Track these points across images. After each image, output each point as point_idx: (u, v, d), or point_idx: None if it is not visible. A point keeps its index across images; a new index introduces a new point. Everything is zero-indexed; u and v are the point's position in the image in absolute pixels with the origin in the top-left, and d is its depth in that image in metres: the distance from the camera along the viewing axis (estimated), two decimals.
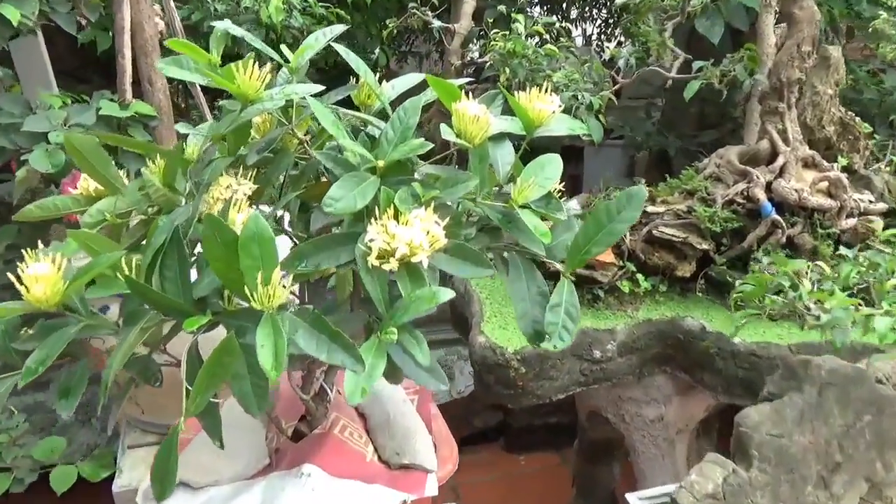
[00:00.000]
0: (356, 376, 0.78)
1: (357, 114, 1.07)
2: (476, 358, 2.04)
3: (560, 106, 1.06)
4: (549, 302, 0.98)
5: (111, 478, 1.61)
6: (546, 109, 1.02)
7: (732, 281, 1.99)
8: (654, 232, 2.02)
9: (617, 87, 2.50)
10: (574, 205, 2.76)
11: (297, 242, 1.13)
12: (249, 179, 1.07)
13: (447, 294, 0.83)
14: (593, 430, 2.53)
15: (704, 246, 2.00)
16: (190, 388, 0.84)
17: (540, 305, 1.01)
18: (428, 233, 0.86)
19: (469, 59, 3.71)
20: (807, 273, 1.18)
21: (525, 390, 1.99)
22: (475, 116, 0.95)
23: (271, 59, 1.13)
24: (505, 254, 1.09)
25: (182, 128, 1.17)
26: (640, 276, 2.03)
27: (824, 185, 2.05)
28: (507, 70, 2.51)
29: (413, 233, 0.85)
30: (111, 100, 1.74)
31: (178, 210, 0.99)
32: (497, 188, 1.09)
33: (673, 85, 2.51)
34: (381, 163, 0.92)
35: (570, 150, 3.75)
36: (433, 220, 0.88)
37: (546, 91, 1.03)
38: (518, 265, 1.06)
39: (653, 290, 2.06)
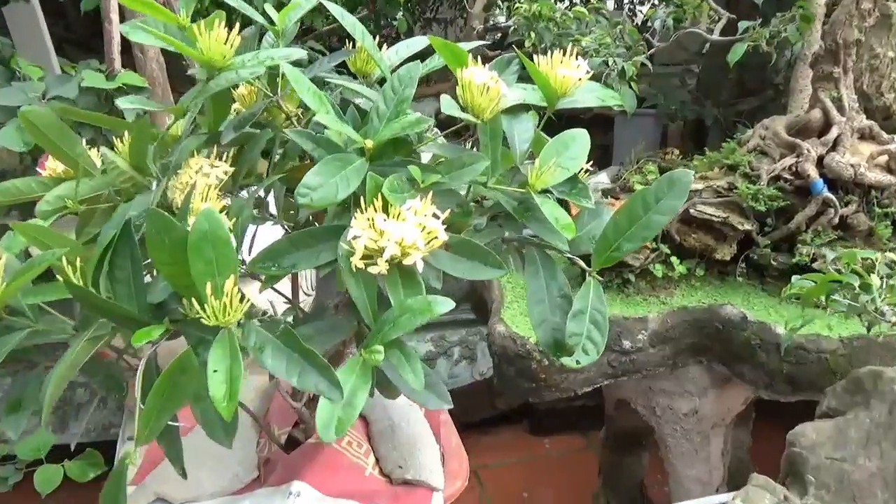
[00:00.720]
0: (332, 405, 0.64)
1: (346, 82, 0.91)
2: (495, 348, 1.89)
3: (588, 72, 0.89)
4: (573, 307, 0.82)
5: (103, 476, 1.50)
6: (571, 76, 0.85)
7: (778, 265, 1.81)
8: (692, 211, 1.83)
9: (651, 51, 2.29)
10: (603, 178, 2.57)
11: (289, 232, 0.98)
12: (226, 161, 0.93)
13: (445, 305, 0.68)
14: (621, 419, 2.38)
15: (747, 227, 1.81)
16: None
17: (561, 310, 0.86)
18: (424, 228, 0.71)
19: (492, 23, 3.50)
20: (875, 267, 1.00)
21: (548, 383, 1.84)
22: (483, 86, 0.78)
23: (254, 22, 0.97)
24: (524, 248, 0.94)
25: None
26: (674, 260, 1.85)
27: (883, 159, 1.84)
28: (533, 35, 2.32)
29: (405, 229, 0.69)
30: (98, 70, 1.61)
31: (138, 198, 0.85)
32: (513, 170, 0.93)
33: (711, 49, 2.30)
34: (369, 143, 0.76)
35: (600, 119, 3.54)
36: (431, 212, 0.73)
37: (572, 55, 0.86)
38: (536, 261, 0.91)
39: (688, 274, 1.88)
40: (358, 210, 0.71)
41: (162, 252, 0.65)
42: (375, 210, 0.72)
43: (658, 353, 1.85)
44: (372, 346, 0.69)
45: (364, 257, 0.71)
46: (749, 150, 1.95)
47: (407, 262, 0.70)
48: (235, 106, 1.02)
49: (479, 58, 0.87)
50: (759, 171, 1.85)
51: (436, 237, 0.72)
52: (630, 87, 2.05)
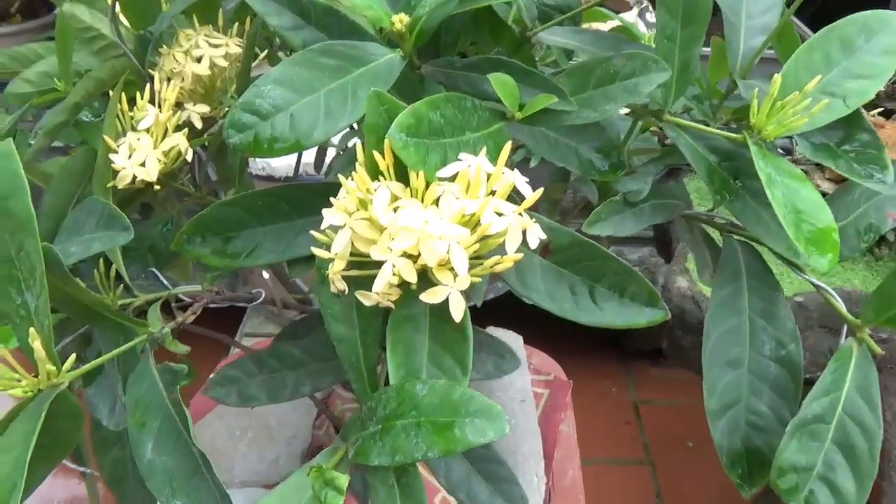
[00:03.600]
0: None
1: None
2: (671, 307, 1.46)
3: None
4: (804, 404, 0.39)
5: None
6: None
7: None
8: None
9: None
10: None
11: None
12: (230, 34, 0.57)
13: (494, 430, 0.29)
14: None
15: None
16: None
17: (773, 389, 0.43)
18: (476, 227, 0.31)
19: None
20: None
21: None
22: None
23: None
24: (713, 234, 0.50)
25: None
26: None
27: None
28: None
29: (437, 226, 0.31)
30: None
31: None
32: (715, 89, 0.48)
33: None
34: (402, 18, 0.36)
35: None
36: (507, 186, 0.33)
37: None
38: (736, 271, 0.47)
39: None
40: (352, 171, 0.33)
41: None
42: (389, 173, 0.33)
43: None
44: (339, 461, 0.33)
45: (354, 266, 0.33)
46: None
47: (432, 295, 0.32)
48: None
49: None
50: None
51: (511, 239, 0.32)
52: None
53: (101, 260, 0.45)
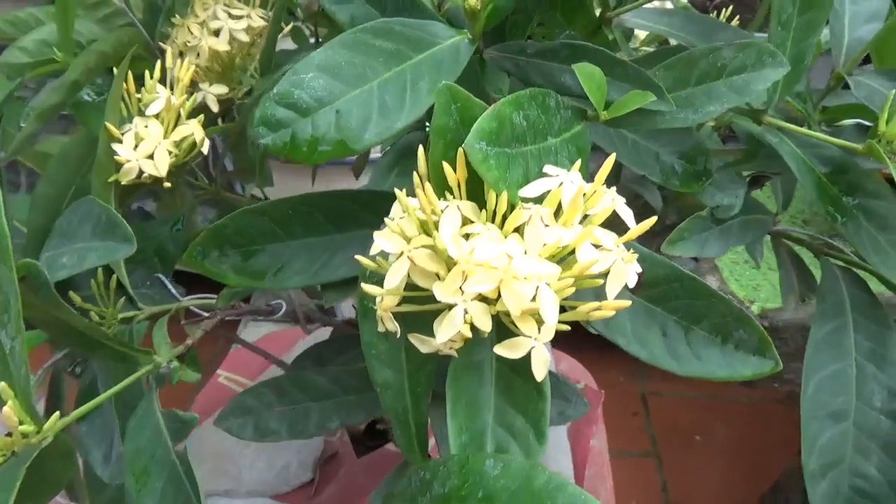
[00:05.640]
0: None
1: None
2: None
3: None
4: None
5: None
6: None
7: None
8: None
9: None
10: None
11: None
12: (252, 3, 0.50)
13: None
14: None
15: None
16: None
17: (877, 439, 0.36)
18: (564, 261, 0.25)
19: None
20: None
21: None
22: None
23: None
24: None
25: None
26: None
27: None
28: None
29: (523, 263, 0.24)
30: None
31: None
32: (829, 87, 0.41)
33: None
34: None
35: None
36: (605, 211, 0.26)
37: None
38: (839, 304, 0.40)
39: None
40: (414, 189, 0.26)
41: None
42: (458, 191, 0.26)
43: None
44: None
45: (407, 300, 0.27)
46: None
47: (511, 349, 0.25)
48: None
49: None
50: None
51: (614, 281, 0.26)
52: None
53: (100, 267, 0.38)
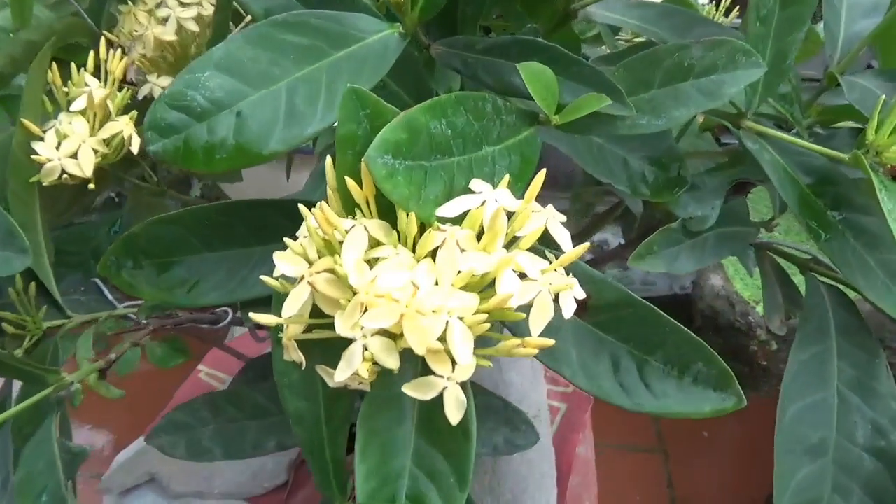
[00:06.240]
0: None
1: None
2: (702, 306, 1.35)
3: None
4: None
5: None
6: None
7: None
8: None
9: None
10: None
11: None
12: None
13: None
14: None
15: None
16: None
17: (859, 478, 0.33)
18: (485, 289, 0.21)
19: None
20: None
21: (769, 372, 1.29)
22: None
23: None
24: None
25: None
26: None
27: None
28: None
29: (431, 295, 0.21)
30: None
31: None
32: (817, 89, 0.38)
33: None
34: None
35: None
36: (535, 233, 0.23)
37: None
38: (822, 326, 0.37)
39: None
40: (324, 201, 0.23)
41: None
42: (368, 209, 0.23)
43: None
44: None
45: (318, 326, 0.24)
46: None
47: (421, 389, 0.22)
48: None
49: None
50: None
51: (538, 316, 0.23)
52: None
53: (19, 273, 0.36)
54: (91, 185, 0.36)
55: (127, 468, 0.77)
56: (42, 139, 0.36)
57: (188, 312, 0.43)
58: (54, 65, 0.37)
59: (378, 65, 0.27)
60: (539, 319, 0.22)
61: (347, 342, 0.22)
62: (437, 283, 0.22)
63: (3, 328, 0.35)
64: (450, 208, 0.23)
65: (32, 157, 0.35)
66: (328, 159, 0.24)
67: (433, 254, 0.23)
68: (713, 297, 1.33)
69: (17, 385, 0.34)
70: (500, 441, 0.39)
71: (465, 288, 0.22)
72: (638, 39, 0.61)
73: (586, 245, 0.23)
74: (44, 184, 0.36)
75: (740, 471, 1.79)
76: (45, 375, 0.30)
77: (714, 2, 0.65)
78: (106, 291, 0.41)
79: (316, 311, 0.24)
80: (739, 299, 1.30)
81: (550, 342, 0.22)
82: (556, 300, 0.24)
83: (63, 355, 0.37)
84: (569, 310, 0.24)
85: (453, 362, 0.22)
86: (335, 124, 0.25)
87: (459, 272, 0.22)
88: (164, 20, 0.45)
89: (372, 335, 0.21)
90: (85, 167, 0.36)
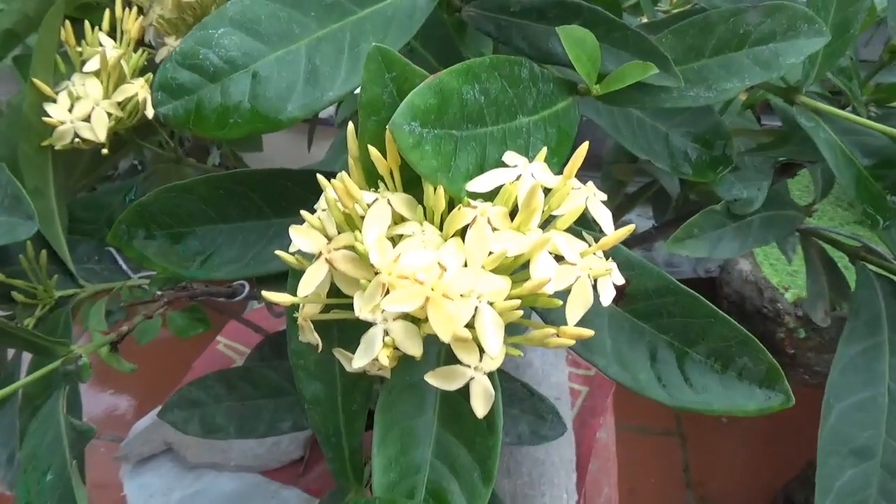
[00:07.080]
0: None
1: None
2: (728, 291, 1.32)
3: None
4: None
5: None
6: None
7: None
8: None
9: None
10: None
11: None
12: None
13: None
14: None
15: None
16: None
17: None
18: (517, 273, 0.20)
19: None
20: None
21: (796, 361, 1.25)
22: None
23: None
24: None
25: None
26: None
27: None
28: None
29: (459, 278, 0.19)
30: None
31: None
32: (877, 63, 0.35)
33: None
34: None
35: None
36: (575, 212, 0.21)
37: None
38: (873, 319, 0.34)
39: None
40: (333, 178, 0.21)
41: None
42: (392, 181, 0.21)
43: None
44: None
45: (336, 306, 0.22)
46: None
47: (445, 379, 0.20)
48: None
49: None
50: None
51: (576, 302, 0.21)
52: None
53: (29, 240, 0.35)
54: (105, 151, 0.35)
55: (144, 437, 0.77)
56: (54, 101, 0.34)
57: (203, 285, 0.41)
58: (68, 23, 0.35)
59: (406, 25, 0.25)
60: (577, 307, 0.20)
61: (367, 325, 0.21)
62: (465, 265, 0.20)
63: (14, 296, 0.34)
64: (481, 183, 0.21)
65: (44, 119, 0.33)
66: (350, 126, 0.22)
67: (462, 232, 0.21)
68: (741, 283, 1.30)
69: (26, 357, 0.33)
70: (525, 430, 0.37)
71: (496, 270, 0.20)
72: (678, 10, 0.58)
73: (631, 227, 0.21)
74: (56, 148, 0.34)
75: (758, 458, 1.76)
76: (54, 347, 0.29)
77: None
78: (121, 261, 0.40)
79: (334, 290, 0.22)
80: (768, 285, 1.26)
81: (590, 333, 0.20)
82: (593, 286, 0.22)
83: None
84: (607, 297, 0.22)
85: (481, 351, 0.20)
86: (358, 89, 0.23)
87: (491, 253, 0.20)
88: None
89: (394, 319, 0.20)
90: (98, 131, 0.34)
